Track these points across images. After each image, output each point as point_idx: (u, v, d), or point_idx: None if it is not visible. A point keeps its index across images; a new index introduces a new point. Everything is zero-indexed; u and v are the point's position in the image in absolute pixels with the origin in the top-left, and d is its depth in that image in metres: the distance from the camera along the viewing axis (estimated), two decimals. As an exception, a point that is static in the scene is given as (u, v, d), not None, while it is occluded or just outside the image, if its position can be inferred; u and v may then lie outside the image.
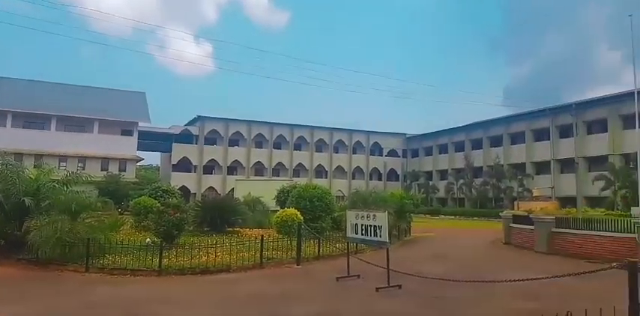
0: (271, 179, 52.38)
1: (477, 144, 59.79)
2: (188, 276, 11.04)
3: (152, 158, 73.57)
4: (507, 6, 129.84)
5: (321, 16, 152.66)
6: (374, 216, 10.09)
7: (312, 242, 14.94)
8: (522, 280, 7.17)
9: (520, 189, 49.72)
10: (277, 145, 65.19)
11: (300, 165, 65.59)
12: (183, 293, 9.31)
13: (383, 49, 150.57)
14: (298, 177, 58.88)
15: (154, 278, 10.80)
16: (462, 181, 56.79)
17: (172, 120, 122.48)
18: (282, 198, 22.31)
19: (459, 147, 62.20)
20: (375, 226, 9.96)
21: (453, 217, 49.90)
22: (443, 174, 63.77)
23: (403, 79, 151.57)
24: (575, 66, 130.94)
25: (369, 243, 11.04)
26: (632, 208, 19.08)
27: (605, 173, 39.40)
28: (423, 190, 60.52)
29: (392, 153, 72.03)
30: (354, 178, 67.44)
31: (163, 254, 11.58)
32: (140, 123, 53.44)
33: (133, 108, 53.62)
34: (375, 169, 70.50)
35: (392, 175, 71.43)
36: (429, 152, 68.13)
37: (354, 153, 69.21)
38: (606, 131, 44.51)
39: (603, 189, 38.84)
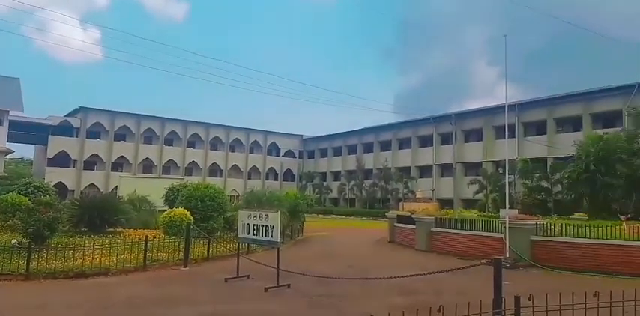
0: (160, 177, 49.87)
1: (369, 148, 62.56)
2: (60, 280, 10.10)
3: (25, 150, 66.42)
4: (402, 18, 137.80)
5: (221, 12, 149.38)
6: (266, 215, 10.03)
7: (201, 242, 14.47)
8: (403, 276, 7.58)
9: (405, 191, 52.98)
10: (169, 142, 62.32)
11: (193, 163, 63.35)
12: (53, 298, 8.45)
13: (285, 52, 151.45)
14: (191, 175, 56.75)
15: (20, 283, 9.76)
16: (353, 182, 59.07)
17: (52, 111, 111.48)
18: (171, 197, 21.34)
19: (352, 150, 64.59)
20: (267, 226, 9.90)
21: (344, 217, 51.56)
22: (336, 175, 65.71)
23: (303, 81, 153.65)
24: (458, 78, 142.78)
25: (261, 243, 10.97)
26: (500, 210, 21.12)
27: (479, 178, 43.43)
28: (317, 190, 61.81)
29: (289, 154, 72.63)
30: (250, 178, 66.78)
31: (33, 257, 10.52)
32: (12, 112, 47.79)
33: (4, 95, 47.81)
34: (272, 169, 70.54)
35: (288, 175, 71.99)
36: (324, 153, 69.82)
37: (251, 152, 68.60)
38: (481, 140, 49.10)
39: (477, 192, 42.78)
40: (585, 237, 13.31)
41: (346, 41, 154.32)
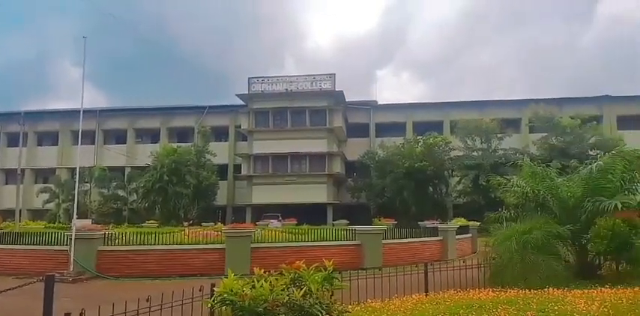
0: None
1: None
2: None
3: None
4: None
5: None
6: None
7: None
8: None
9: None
10: None
11: None
12: None
13: None
14: None
15: None
16: None
17: None
18: None
19: None
20: None
21: None
22: None
23: None
24: (37, 75, 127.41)
25: None
26: (73, 220, 19.53)
27: (51, 186, 39.55)
28: None
29: None
30: None
31: None
32: None
33: None
34: None
35: None
36: None
37: None
38: (57, 144, 45.10)
39: (47, 202, 38.72)
40: (152, 244, 13.86)
41: None
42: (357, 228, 15.96)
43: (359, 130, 43.88)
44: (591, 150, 31.69)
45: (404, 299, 7.65)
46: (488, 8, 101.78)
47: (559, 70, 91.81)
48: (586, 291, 7.67)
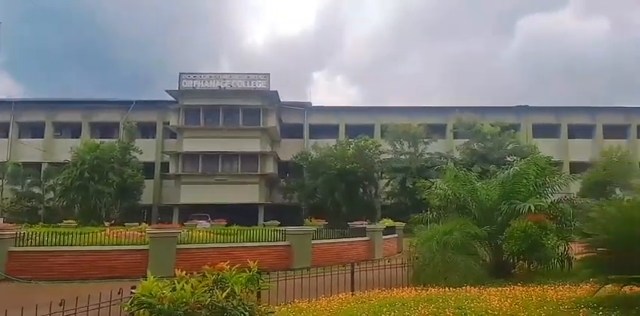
0: None
1: None
2: None
3: None
4: None
5: None
6: None
7: None
8: None
9: None
10: None
11: None
12: None
13: None
14: None
15: None
16: None
17: None
18: None
19: None
20: None
21: None
22: None
23: None
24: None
25: None
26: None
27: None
28: None
29: None
30: None
31: None
32: None
33: None
34: None
35: None
36: None
37: None
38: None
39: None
40: (69, 245, 13.04)
41: None
42: (287, 228, 15.93)
43: (293, 131, 43.94)
44: (509, 156, 33.84)
45: (331, 298, 7.73)
46: (419, 18, 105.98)
47: (482, 80, 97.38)
48: (500, 289, 8.14)
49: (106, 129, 43.20)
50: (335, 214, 33.06)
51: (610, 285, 6.70)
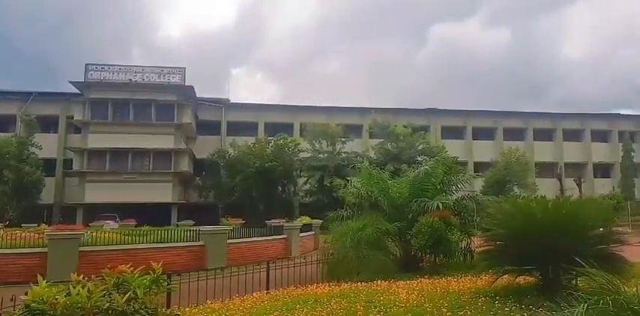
0: None
1: None
2: None
3: None
4: None
5: None
6: None
7: None
8: None
9: None
10: None
11: None
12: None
13: None
14: None
15: None
16: None
17: None
18: None
19: None
20: None
21: None
22: None
23: None
24: None
25: None
26: None
27: None
28: None
29: None
30: None
31: None
32: None
33: None
34: None
35: None
36: None
37: None
38: None
39: None
40: (-48, 249, 11.69)
41: None
42: (201, 228, 15.49)
43: (210, 128, 42.87)
44: (419, 156, 35.53)
45: (244, 298, 7.63)
46: (339, 18, 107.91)
47: (396, 80, 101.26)
48: (408, 282, 8.51)
49: (1, 123, 39.33)
50: (253, 213, 32.76)
51: (506, 276, 7.25)
